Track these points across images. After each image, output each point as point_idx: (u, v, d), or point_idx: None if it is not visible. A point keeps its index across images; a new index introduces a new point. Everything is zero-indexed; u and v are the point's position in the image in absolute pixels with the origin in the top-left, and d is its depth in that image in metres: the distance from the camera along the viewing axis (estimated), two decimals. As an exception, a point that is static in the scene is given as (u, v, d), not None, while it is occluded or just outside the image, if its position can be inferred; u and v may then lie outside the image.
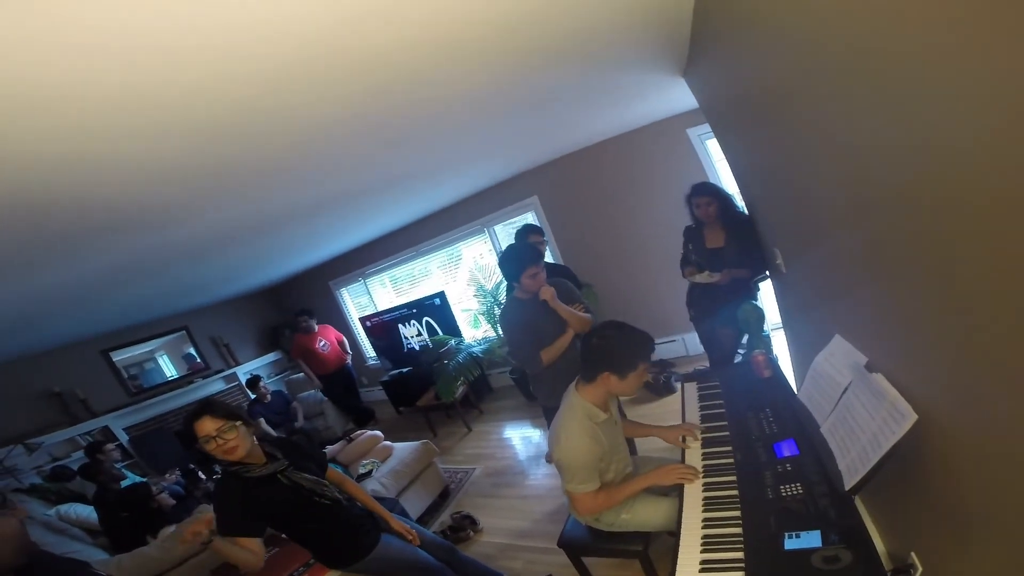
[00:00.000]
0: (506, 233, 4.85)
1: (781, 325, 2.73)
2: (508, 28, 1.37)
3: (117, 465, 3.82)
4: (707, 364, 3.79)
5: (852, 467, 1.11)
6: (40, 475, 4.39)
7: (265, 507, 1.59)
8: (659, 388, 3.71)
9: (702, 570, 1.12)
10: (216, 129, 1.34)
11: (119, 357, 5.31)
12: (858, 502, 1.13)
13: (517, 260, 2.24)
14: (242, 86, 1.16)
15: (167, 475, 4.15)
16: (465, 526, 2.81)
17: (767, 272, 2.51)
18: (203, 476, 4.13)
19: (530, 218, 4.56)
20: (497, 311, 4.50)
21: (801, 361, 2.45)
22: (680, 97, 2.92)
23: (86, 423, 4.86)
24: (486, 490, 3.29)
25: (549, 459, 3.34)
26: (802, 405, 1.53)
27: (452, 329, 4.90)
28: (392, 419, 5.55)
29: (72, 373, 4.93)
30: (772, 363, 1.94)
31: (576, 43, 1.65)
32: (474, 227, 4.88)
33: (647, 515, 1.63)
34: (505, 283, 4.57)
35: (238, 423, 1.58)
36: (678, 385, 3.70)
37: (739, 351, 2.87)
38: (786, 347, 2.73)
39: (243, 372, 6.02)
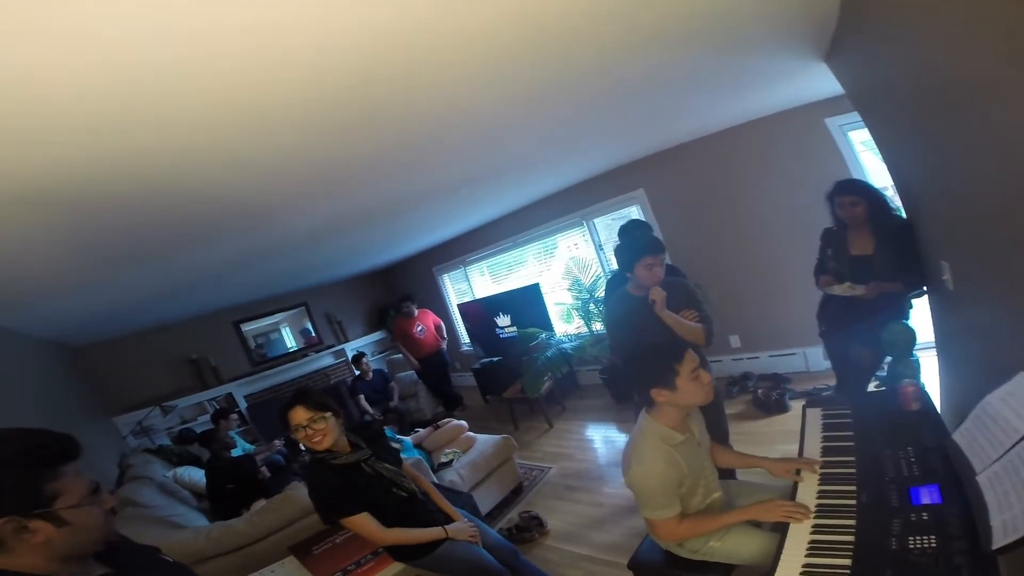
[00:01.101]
0: (606, 227, 4.76)
1: (935, 350, 2.33)
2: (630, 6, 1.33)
3: (232, 432, 4.21)
4: (828, 384, 3.40)
5: (1011, 524, 0.93)
6: (169, 436, 5.06)
7: (349, 493, 1.67)
8: (769, 405, 3.39)
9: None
10: (334, 122, 1.48)
11: (247, 328, 6.10)
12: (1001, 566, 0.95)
13: (635, 247, 2.15)
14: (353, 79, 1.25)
15: (273, 443, 4.49)
16: (531, 527, 2.82)
17: (924, 288, 2.16)
18: (303, 448, 4.53)
19: (634, 212, 4.41)
20: (593, 308, 4.45)
21: (954, 396, 2.08)
22: (817, 83, 2.61)
23: (214, 389, 5.58)
24: (559, 492, 3.28)
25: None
26: (956, 447, 1.31)
27: (543, 322, 4.94)
28: (478, 407, 5.77)
29: (206, 342, 5.71)
30: (923, 395, 1.68)
31: (702, 24, 1.55)
32: (573, 219, 4.86)
33: (738, 546, 1.51)
34: (603, 279, 4.54)
35: (328, 414, 1.68)
36: (792, 404, 3.37)
37: (876, 376, 2.53)
38: (937, 376, 2.33)
39: (351, 348, 6.67)
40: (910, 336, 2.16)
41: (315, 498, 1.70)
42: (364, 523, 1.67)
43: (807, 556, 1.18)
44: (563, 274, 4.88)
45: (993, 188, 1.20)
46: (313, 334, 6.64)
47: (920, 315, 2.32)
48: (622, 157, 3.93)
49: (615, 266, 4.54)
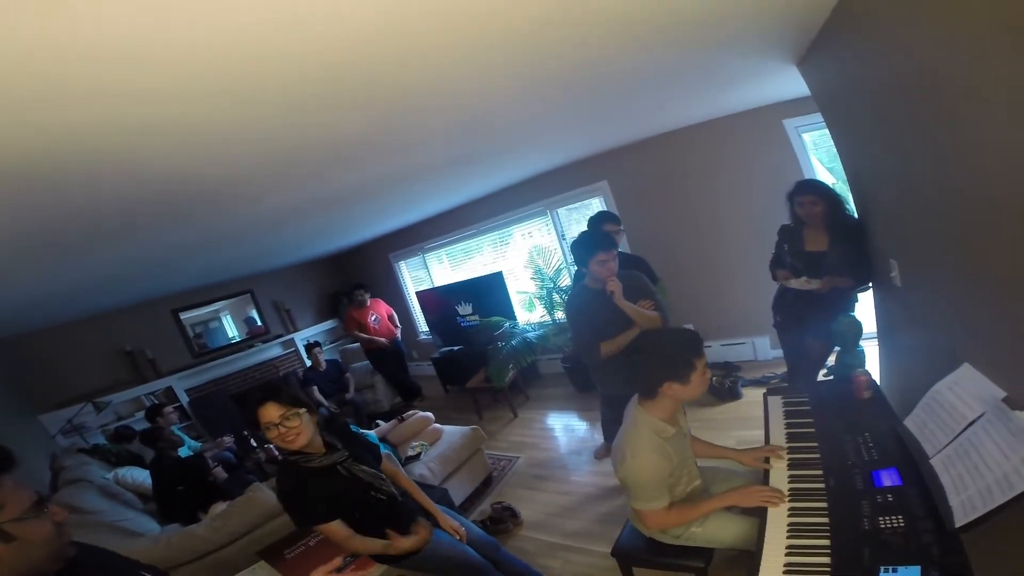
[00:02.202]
0: (569, 217, 4.84)
1: (877, 341, 2.58)
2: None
3: (175, 428, 3.98)
4: (776, 372, 3.69)
5: (968, 504, 1.07)
6: (104, 434, 4.70)
7: (323, 499, 1.59)
8: (723, 392, 3.62)
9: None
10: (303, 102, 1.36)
11: (187, 316, 5.71)
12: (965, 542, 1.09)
13: (588, 244, 2.29)
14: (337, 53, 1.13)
15: (222, 439, 4.23)
16: (505, 518, 2.85)
17: (870, 283, 2.38)
18: (255, 444, 4.25)
19: (598, 204, 4.51)
20: (556, 297, 4.53)
21: (895, 383, 2.33)
22: (781, 85, 2.77)
23: (152, 383, 5.26)
24: (528, 481, 3.36)
25: (599, 456, 3.38)
26: (908, 433, 1.47)
27: (506, 311, 4.98)
28: (439, 397, 5.75)
29: (143, 332, 5.33)
30: (874, 384, 1.86)
31: (693, 23, 1.57)
32: (537, 208, 4.90)
33: (719, 531, 1.62)
34: (566, 269, 4.64)
35: (302, 410, 1.58)
36: (744, 391, 3.62)
37: (825, 365, 2.77)
38: (878, 365, 2.60)
39: (300, 338, 6.42)
40: (858, 328, 2.38)
41: (286, 503, 1.64)
42: (336, 531, 1.60)
43: (788, 537, 1.29)
44: (526, 263, 4.91)
45: (945, 192, 1.34)
46: (259, 323, 6.32)
47: (864, 308, 2.56)
48: (587, 149, 3.99)
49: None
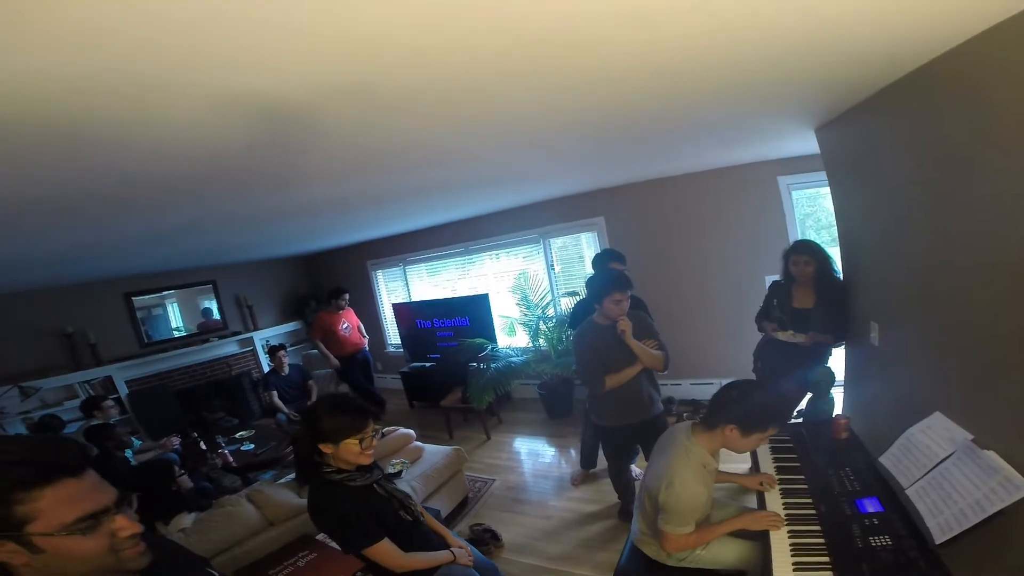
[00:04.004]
0: (560, 248, 5.09)
1: (843, 390, 2.92)
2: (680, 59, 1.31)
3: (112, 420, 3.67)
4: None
5: (945, 525, 1.32)
6: (25, 423, 4.34)
7: (371, 518, 1.60)
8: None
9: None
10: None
11: (139, 301, 5.44)
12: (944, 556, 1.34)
13: (606, 283, 2.48)
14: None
15: (168, 440, 3.99)
16: (487, 540, 2.88)
17: (843, 341, 2.72)
18: (204, 447, 4.09)
19: (592, 238, 4.80)
20: (543, 326, 4.72)
21: (863, 426, 2.62)
22: (786, 144, 3.11)
23: (90, 371, 4.90)
24: (506, 504, 3.43)
25: (575, 482, 3.53)
26: (884, 468, 1.74)
27: (488, 332, 5.11)
28: (402, 412, 5.73)
29: (88, 314, 5.01)
30: (850, 427, 2.16)
31: (742, 85, 1.66)
32: (530, 236, 5.12)
33: (721, 553, 1.80)
34: (549, 300, 4.87)
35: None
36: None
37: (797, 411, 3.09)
38: (842, 410, 2.93)
39: (259, 337, 6.25)
40: (832, 378, 2.72)
41: (338, 525, 1.61)
42: (387, 550, 1.61)
43: (792, 555, 1.51)
44: (512, 288, 5.09)
45: (935, 259, 1.64)
46: (216, 316, 6.08)
47: (835, 360, 2.90)
48: (589, 185, 4.28)
49: (566, 287, 4.97)
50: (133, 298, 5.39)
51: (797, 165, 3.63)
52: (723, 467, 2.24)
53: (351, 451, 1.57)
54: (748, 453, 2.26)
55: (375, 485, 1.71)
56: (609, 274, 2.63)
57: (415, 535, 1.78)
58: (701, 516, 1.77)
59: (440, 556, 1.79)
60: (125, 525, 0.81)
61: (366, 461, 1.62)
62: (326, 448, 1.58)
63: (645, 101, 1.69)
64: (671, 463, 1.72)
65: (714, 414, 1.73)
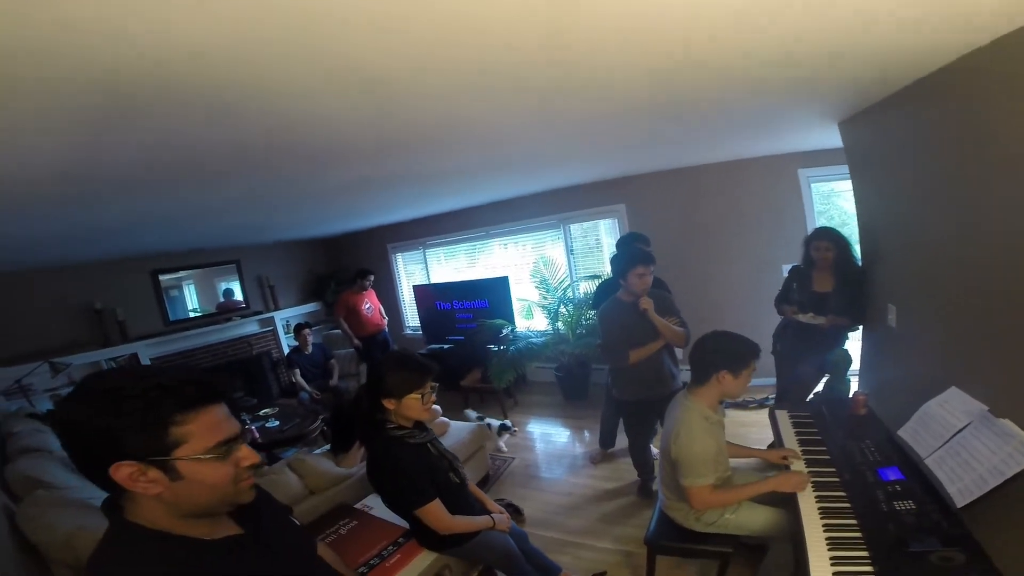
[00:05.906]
0: (581, 233, 5.20)
1: (859, 371, 3.04)
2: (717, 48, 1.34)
3: None
4: (755, 398, 4.11)
5: (965, 490, 1.45)
6: (52, 399, 4.39)
7: (427, 477, 1.65)
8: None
9: (833, 563, 1.43)
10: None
11: (165, 278, 5.56)
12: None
13: (629, 257, 2.62)
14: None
15: None
16: (509, 514, 3.04)
17: (861, 324, 2.83)
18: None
19: (613, 224, 4.90)
20: (563, 309, 4.85)
21: (879, 404, 2.74)
22: (808, 137, 3.20)
23: (117, 347, 4.99)
24: (526, 481, 3.57)
25: (594, 461, 3.68)
26: (903, 440, 1.87)
27: (507, 314, 5.24)
28: (421, 393, 5.88)
29: (116, 291, 5.11)
30: (869, 404, 2.28)
31: (781, 81, 1.74)
32: (550, 221, 5.23)
33: (749, 519, 1.91)
34: (568, 284, 4.98)
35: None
36: (725, 410, 4.04)
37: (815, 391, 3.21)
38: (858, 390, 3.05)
39: (280, 317, 6.41)
40: (849, 360, 2.85)
41: (397, 482, 1.66)
42: (437, 511, 1.66)
43: (822, 518, 1.63)
44: (531, 272, 5.21)
45: (955, 241, 1.74)
46: (237, 296, 6.24)
47: (852, 343, 3.02)
48: (612, 172, 4.37)
49: (584, 272, 5.09)
50: (160, 275, 5.52)
51: (817, 159, 3.73)
52: (746, 444, 2.40)
53: (413, 406, 1.65)
54: (771, 429, 2.43)
55: (429, 445, 1.80)
56: (634, 249, 2.76)
57: (460, 497, 1.86)
58: (719, 472, 1.90)
59: (481, 521, 1.89)
60: (247, 455, 0.85)
61: (427, 416, 1.70)
62: (389, 404, 1.65)
63: (686, 92, 1.78)
64: (676, 422, 1.91)
65: (702, 371, 1.90)
